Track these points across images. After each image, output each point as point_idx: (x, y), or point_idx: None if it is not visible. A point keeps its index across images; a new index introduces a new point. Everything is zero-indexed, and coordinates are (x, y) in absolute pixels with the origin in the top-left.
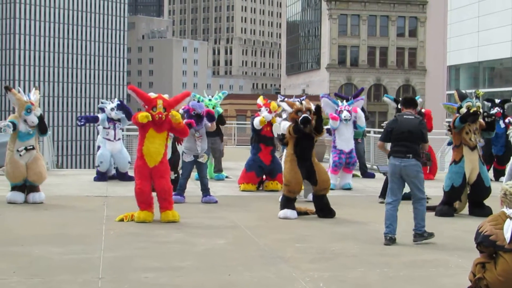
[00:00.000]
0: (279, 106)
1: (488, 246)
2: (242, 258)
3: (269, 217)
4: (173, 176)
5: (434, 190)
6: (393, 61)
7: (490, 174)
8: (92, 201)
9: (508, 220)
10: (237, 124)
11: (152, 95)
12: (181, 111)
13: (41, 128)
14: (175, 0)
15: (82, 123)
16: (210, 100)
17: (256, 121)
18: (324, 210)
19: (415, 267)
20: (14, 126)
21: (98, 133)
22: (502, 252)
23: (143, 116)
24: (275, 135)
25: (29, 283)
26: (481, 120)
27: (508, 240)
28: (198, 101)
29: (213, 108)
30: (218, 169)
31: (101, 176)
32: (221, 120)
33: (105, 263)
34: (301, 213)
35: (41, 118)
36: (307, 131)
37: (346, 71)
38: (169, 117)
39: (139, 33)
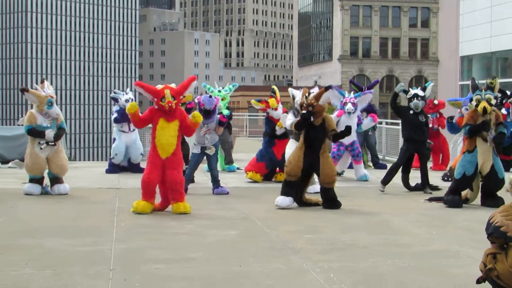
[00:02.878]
0: (295, 94)
1: (498, 237)
2: (253, 250)
3: (279, 208)
4: (184, 167)
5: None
6: (405, 52)
7: None
8: (104, 193)
9: None
10: (249, 115)
11: (159, 86)
12: (196, 100)
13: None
14: None
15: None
16: (219, 91)
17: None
18: (329, 201)
19: (426, 258)
20: (34, 129)
21: (111, 124)
22: None
23: (131, 106)
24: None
25: (41, 275)
26: (497, 111)
27: None
28: (207, 93)
29: (222, 99)
30: (229, 160)
31: (114, 168)
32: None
33: (117, 254)
34: (311, 204)
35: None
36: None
37: (358, 62)
38: (185, 114)
39: (151, 26)
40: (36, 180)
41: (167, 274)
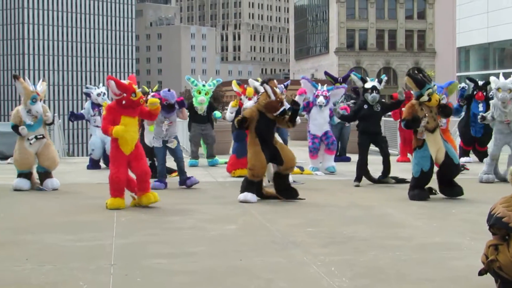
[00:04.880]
0: (256, 89)
1: (500, 228)
2: (254, 244)
3: (280, 202)
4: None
5: None
6: (402, 44)
7: (473, 156)
8: (103, 188)
9: None
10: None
11: (124, 82)
12: (150, 96)
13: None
14: None
15: (73, 119)
16: (204, 86)
17: (228, 115)
18: (288, 190)
19: (427, 250)
20: (17, 127)
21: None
22: None
23: (119, 130)
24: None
25: (42, 271)
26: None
27: None
28: (169, 91)
29: (206, 94)
30: (210, 154)
31: (94, 164)
32: (213, 108)
33: (117, 249)
34: (270, 197)
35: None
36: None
37: (355, 55)
38: (148, 106)
39: (147, 20)
40: (24, 175)
41: (169, 268)
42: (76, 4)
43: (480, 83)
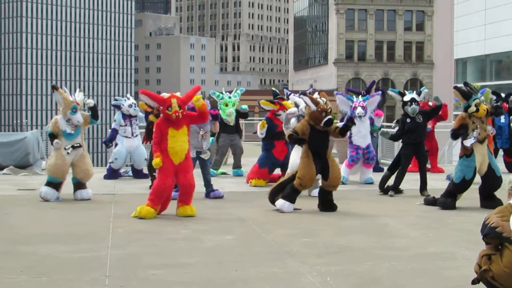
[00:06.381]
0: (296, 103)
1: (494, 237)
2: (249, 254)
3: (276, 212)
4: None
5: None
6: (400, 55)
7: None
8: (99, 199)
9: None
10: (245, 120)
11: (165, 95)
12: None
13: (95, 115)
14: None
15: (111, 145)
16: (230, 97)
17: (261, 131)
18: (326, 204)
19: (423, 260)
20: (54, 136)
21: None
22: (508, 244)
23: (156, 162)
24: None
25: (37, 282)
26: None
27: None
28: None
29: (233, 105)
30: (237, 165)
31: (112, 174)
32: (244, 115)
33: (113, 260)
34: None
35: (94, 107)
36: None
37: (354, 66)
38: (193, 105)
39: (146, 30)
40: (54, 184)
41: (164, 279)
42: (74, 14)
43: (503, 95)
